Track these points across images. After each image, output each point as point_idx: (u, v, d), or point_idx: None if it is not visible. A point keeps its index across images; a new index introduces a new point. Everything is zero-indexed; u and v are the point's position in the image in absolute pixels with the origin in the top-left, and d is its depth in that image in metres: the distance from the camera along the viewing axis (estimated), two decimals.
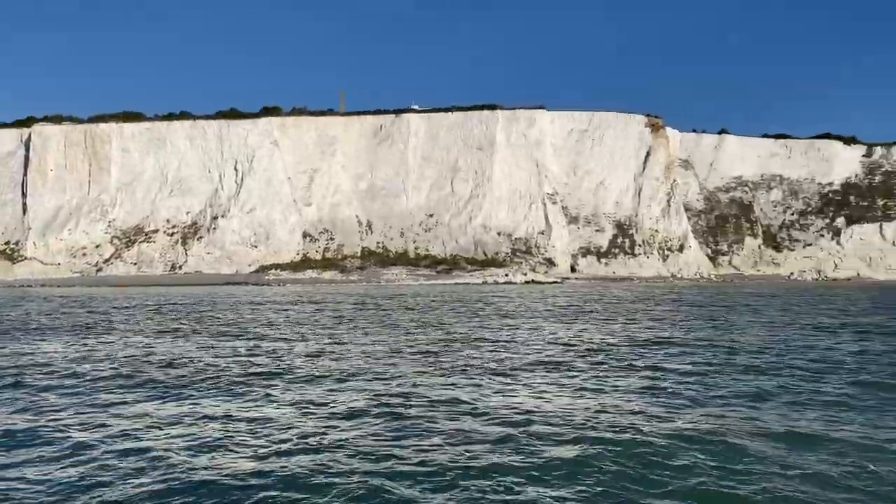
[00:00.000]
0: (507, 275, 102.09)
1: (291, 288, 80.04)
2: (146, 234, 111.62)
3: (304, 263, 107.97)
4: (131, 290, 76.44)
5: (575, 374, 17.26)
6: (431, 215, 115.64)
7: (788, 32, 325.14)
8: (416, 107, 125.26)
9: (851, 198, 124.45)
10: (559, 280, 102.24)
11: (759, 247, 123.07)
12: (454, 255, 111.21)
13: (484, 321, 32.76)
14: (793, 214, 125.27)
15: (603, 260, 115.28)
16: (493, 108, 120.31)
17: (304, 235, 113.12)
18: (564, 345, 23.19)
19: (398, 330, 28.45)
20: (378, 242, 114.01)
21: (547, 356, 20.38)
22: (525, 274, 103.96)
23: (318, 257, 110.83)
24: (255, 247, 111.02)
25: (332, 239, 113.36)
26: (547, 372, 17.51)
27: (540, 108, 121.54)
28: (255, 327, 30.31)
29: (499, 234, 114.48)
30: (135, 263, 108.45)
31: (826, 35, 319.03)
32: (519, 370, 17.78)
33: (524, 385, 15.73)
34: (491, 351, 21.65)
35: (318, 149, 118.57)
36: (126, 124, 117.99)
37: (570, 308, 42.55)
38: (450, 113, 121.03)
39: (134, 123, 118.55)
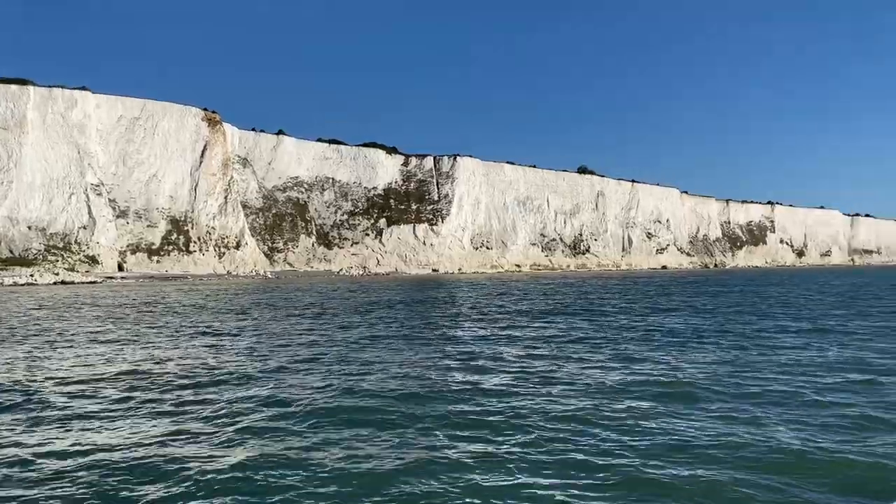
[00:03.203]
0: (32, 275, 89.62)
1: None
2: None
3: None
4: None
5: None
6: None
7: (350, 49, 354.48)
8: None
9: (392, 201, 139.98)
10: (100, 280, 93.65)
11: (313, 244, 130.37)
12: None
13: None
14: (343, 215, 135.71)
15: (155, 257, 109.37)
16: (23, 82, 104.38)
17: None
18: None
19: None
20: None
21: None
22: (57, 274, 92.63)
23: None
24: None
25: None
26: None
27: (83, 88, 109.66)
28: None
29: (30, 227, 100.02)
30: None
31: (384, 61, 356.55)
32: None
33: None
34: None
35: None
36: None
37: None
38: None
39: None
